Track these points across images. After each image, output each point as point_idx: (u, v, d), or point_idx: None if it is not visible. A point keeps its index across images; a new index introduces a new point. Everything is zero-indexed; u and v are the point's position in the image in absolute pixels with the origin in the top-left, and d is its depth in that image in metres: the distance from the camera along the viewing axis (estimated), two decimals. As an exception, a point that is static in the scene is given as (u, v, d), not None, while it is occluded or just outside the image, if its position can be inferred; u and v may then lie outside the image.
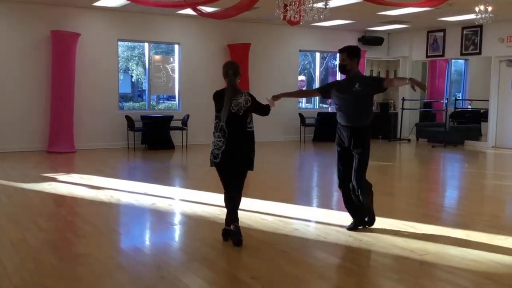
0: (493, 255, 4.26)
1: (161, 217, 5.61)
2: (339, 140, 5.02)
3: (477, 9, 8.40)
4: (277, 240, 4.69)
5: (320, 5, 7.25)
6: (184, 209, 6.00)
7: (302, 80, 17.15)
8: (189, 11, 10.11)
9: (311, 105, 14.95)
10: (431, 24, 12.70)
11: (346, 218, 5.39)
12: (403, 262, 4.18)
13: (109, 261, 4.13)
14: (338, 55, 4.94)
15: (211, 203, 6.06)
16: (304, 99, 16.54)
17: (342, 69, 5.03)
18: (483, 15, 8.32)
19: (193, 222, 5.41)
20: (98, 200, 6.26)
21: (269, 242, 4.65)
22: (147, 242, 4.89)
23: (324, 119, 13.58)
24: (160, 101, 17.13)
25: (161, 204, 6.07)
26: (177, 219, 5.55)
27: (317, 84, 14.63)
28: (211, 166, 4.65)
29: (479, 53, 12.53)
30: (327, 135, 13.46)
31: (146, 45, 12.06)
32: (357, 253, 4.42)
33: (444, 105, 13.23)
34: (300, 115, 13.26)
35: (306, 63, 17.54)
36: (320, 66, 14.77)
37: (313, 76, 14.98)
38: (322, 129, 13.52)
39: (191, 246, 4.63)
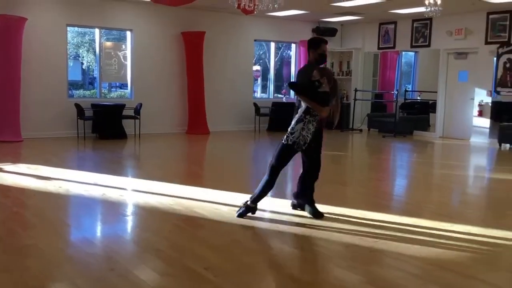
0: (439, 241, 4.40)
1: (112, 208, 5.49)
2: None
3: (426, 2, 8.61)
4: (232, 230, 4.68)
5: (275, -6, 7.23)
6: (136, 200, 5.89)
7: (257, 70, 17.13)
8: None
9: (266, 95, 14.97)
10: (383, 16, 12.95)
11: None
12: (354, 249, 4.26)
13: (58, 253, 4.00)
14: (325, 45, 5.05)
15: (164, 193, 5.98)
16: (259, 88, 16.56)
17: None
18: (432, 8, 8.54)
19: (145, 213, 5.32)
20: (46, 190, 6.06)
21: (223, 232, 4.63)
22: (98, 234, 4.78)
23: (278, 108, 13.64)
24: (112, 89, 16.72)
25: (112, 194, 5.94)
26: (129, 209, 5.45)
27: (272, 74, 14.66)
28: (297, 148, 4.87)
29: (429, 45, 12.90)
30: (282, 125, 13.50)
31: (97, 31, 11.72)
32: (310, 241, 4.47)
33: (394, 96, 13.57)
34: (255, 104, 13.28)
35: (261, 53, 17.53)
36: (275, 56, 14.80)
37: (268, 66, 15.00)
38: (276, 119, 13.57)
39: (143, 237, 4.55)
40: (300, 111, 4.93)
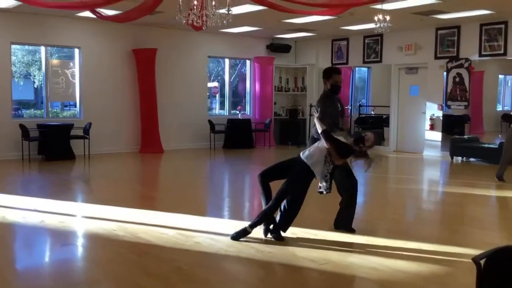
0: (391, 261, 4.29)
1: (49, 237, 5.14)
2: None
3: (376, 18, 8.68)
4: (176, 256, 4.43)
5: (223, 10, 7.09)
6: (77, 226, 5.56)
7: (215, 87, 16.98)
8: (89, 13, 9.56)
9: (224, 111, 14.73)
10: (335, 32, 13.05)
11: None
12: (303, 272, 4.09)
13: (-18, 290, 3.66)
14: (338, 76, 5.12)
15: (108, 218, 5.67)
16: (218, 105, 16.37)
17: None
18: (381, 24, 8.61)
19: (85, 241, 5.01)
20: (-21, 219, 5.64)
21: (167, 259, 4.38)
22: (29, 266, 4.40)
23: (234, 125, 13.48)
24: (65, 108, 16.16)
25: (52, 221, 5.58)
26: (67, 238, 5.09)
27: (227, 91, 14.51)
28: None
29: (380, 61, 13.05)
30: (238, 142, 13.39)
31: (43, 48, 11.29)
32: (258, 266, 4.27)
33: (349, 111, 13.63)
34: (210, 121, 13.07)
35: (219, 69, 17.40)
36: (232, 73, 14.65)
37: (224, 82, 14.82)
38: (232, 136, 13.40)
39: (80, 268, 4.23)
40: (320, 146, 4.71)
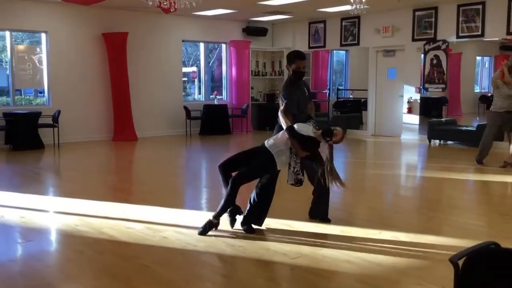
0: (366, 253, 4.10)
1: (7, 233, 4.84)
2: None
3: (352, -1, 8.45)
4: (141, 253, 4.18)
5: (192, -8, 6.79)
6: (39, 221, 5.23)
7: (193, 72, 16.61)
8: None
9: (202, 97, 14.36)
10: (312, 15, 12.77)
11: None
12: (274, 268, 3.89)
13: None
14: (300, 61, 4.82)
15: (72, 212, 5.38)
16: (196, 90, 16.02)
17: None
18: (358, 6, 8.38)
19: (45, 237, 4.72)
20: None
21: (131, 256, 4.13)
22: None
23: (210, 111, 13.19)
24: (39, 95, 15.67)
25: (12, 216, 5.28)
26: (26, 234, 4.79)
27: (203, 76, 14.17)
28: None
29: (358, 43, 12.83)
30: (214, 128, 13.11)
31: (8, 33, 10.79)
32: (227, 261, 4.05)
33: (327, 95, 13.43)
34: (185, 107, 12.75)
35: (198, 54, 17.02)
36: (211, 57, 14.26)
37: (200, 67, 14.46)
38: (209, 122, 13.12)
39: (34, 268, 3.93)
40: (286, 136, 4.48)
